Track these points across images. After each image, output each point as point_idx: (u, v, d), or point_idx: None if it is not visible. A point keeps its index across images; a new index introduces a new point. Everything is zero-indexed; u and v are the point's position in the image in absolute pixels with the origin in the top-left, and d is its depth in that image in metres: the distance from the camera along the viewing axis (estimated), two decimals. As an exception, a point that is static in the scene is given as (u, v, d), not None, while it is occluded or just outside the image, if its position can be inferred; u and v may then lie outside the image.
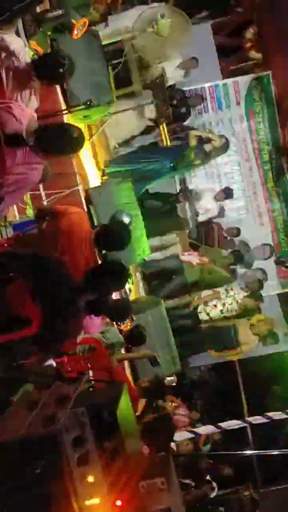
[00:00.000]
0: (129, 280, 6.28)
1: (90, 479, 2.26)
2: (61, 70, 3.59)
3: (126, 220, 5.48)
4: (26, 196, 5.18)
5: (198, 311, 7.53)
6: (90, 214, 5.58)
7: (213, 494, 7.40)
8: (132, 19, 6.90)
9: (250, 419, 7.18)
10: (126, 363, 5.90)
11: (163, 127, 7.38)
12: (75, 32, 5.23)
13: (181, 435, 6.84)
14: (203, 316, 7.51)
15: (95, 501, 2.25)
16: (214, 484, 7.42)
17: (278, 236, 8.68)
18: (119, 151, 7.38)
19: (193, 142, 7.21)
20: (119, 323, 5.37)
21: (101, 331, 5.02)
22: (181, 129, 8.05)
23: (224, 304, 7.51)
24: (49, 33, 5.32)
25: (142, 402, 5.19)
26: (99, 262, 4.13)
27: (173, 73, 7.66)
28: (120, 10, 7.56)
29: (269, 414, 6.82)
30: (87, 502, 2.24)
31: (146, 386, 5.19)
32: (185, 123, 8.15)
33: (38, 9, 5.14)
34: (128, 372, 5.92)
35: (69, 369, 3.96)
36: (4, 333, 2.99)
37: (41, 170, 3.56)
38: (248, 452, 7.96)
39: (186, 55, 7.64)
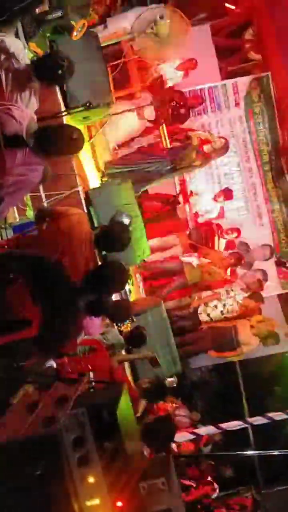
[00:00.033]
0: (129, 281, 6.28)
1: (90, 479, 2.26)
2: (60, 71, 3.59)
3: (126, 221, 5.48)
4: (26, 197, 5.18)
5: (198, 312, 7.53)
6: (90, 215, 5.59)
7: (214, 495, 7.40)
8: (131, 21, 6.91)
9: (251, 419, 7.19)
10: (126, 364, 5.90)
11: (162, 128, 7.39)
12: (75, 33, 5.25)
13: (182, 436, 6.84)
14: (203, 317, 7.51)
15: (95, 501, 2.24)
16: (216, 485, 7.42)
17: (278, 236, 8.68)
18: (119, 152, 7.38)
19: (195, 141, 7.21)
20: (119, 324, 5.37)
21: (101, 332, 5.02)
22: (181, 130, 8.05)
23: (224, 305, 7.52)
24: (48, 34, 5.32)
25: (142, 403, 5.20)
26: (99, 263, 4.13)
27: (172, 74, 7.66)
28: (119, 12, 7.56)
29: (270, 414, 6.82)
30: (88, 503, 2.23)
31: (147, 387, 5.18)
32: (184, 124, 8.15)
33: (37, 11, 5.14)
34: (128, 373, 5.92)
35: (70, 370, 3.95)
36: (5, 334, 2.99)
37: (41, 171, 3.56)
38: (249, 452, 7.95)
39: (185, 56, 7.64)
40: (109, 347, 4.86)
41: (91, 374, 4.38)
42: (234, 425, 6.94)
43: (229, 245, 8.13)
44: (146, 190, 7.49)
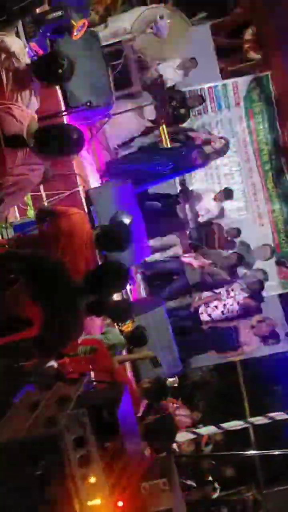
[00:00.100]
0: (129, 281, 6.27)
1: (92, 480, 2.25)
2: (60, 71, 3.59)
3: (126, 220, 5.48)
4: (27, 197, 5.19)
5: (199, 312, 7.53)
6: (90, 215, 5.59)
7: (215, 495, 7.40)
8: (131, 20, 6.92)
9: (252, 419, 7.18)
10: (128, 364, 5.90)
11: (162, 128, 7.38)
12: (75, 33, 5.24)
13: (183, 436, 6.84)
14: (204, 317, 7.50)
15: (97, 502, 2.24)
16: (217, 485, 7.41)
17: (279, 236, 8.68)
18: (119, 152, 7.38)
19: (196, 141, 7.22)
20: (120, 324, 5.37)
21: (102, 332, 5.02)
22: (181, 130, 8.05)
23: (225, 305, 7.51)
24: (48, 34, 5.32)
25: (143, 403, 5.20)
26: (100, 263, 4.13)
27: (172, 74, 7.66)
28: (119, 11, 7.57)
29: (271, 414, 6.82)
30: (89, 503, 2.23)
31: (148, 387, 5.18)
32: (184, 124, 8.15)
33: (38, 11, 5.14)
34: (129, 373, 5.91)
35: (71, 370, 3.95)
36: (5, 334, 2.98)
37: (42, 171, 3.56)
38: (250, 452, 7.95)
39: (185, 55, 7.64)
40: (110, 347, 4.86)
41: (92, 374, 4.37)
42: (235, 425, 6.94)
43: (230, 245, 8.13)
44: (147, 190, 7.48)
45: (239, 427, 7.00)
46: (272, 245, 8.51)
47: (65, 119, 5.41)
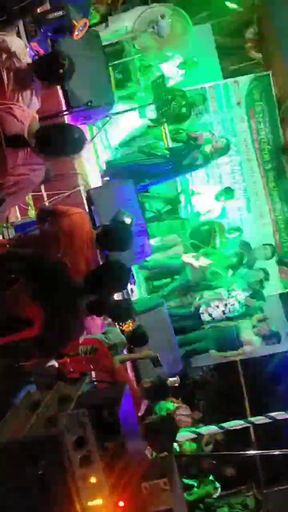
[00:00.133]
0: (130, 280, 6.27)
1: (93, 480, 2.25)
2: (61, 71, 3.58)
3: (127, 220, 5.47)
4: (28, 197, 5.18)
5: (200, 311, 7.52)
6: (91, 214, 5.58)
7: (216, 495, 7.40)
8: (132, 20, 6.91)
9: (252, 419, 7.17)
10: (128, 364, 5.89)
11: (163, 128, 7.38)
12: (76, 32, 5.23)
13: (183, 436, 6.83)
14: (205, 317, 7.50)
15: (98, 502, 2.24)
16: (217, 485, 7.42)
17: (280, 236, 8.67)
18: (120, 152, 7.37)
19: (197, 141, 7.21)
20: (121, 323, 5.37)
21: (103, 332, 5.02)
22: (181, 129, 8.04)
23: (226, 305, 7.50)
24: (49, 34, 5.32)
25: (144, 403, 5.19)
26: (101, 262, 4.12)
27: (173, 73, 7.65)
28: (120, 11, 7.56)
29: (272, 414, 6.80)
30: (90, 503, 2.23)
31: (149, 386, 5.18)
32: (185, 124, 8.14)
33: (38, 10, 5.14)
34: (130, 372, 5.91)
35: (71, 370, 3.95)
36: (5, 334, 2.99)
37: (43, 171, 3.56)
38: (251, 452, 7.95)
39: (187, 55, 7.63)
40: (110, 346, 4.85)
41: (93, 374, 4.37)
42: (236, 424, 6.93)
43: (231, 244, 8.12)
44: (147, 189, 7.48)
45: (239, 427, 6.99)
46: (274, 244, 8.50)
47: (66, 119, 5.41)
